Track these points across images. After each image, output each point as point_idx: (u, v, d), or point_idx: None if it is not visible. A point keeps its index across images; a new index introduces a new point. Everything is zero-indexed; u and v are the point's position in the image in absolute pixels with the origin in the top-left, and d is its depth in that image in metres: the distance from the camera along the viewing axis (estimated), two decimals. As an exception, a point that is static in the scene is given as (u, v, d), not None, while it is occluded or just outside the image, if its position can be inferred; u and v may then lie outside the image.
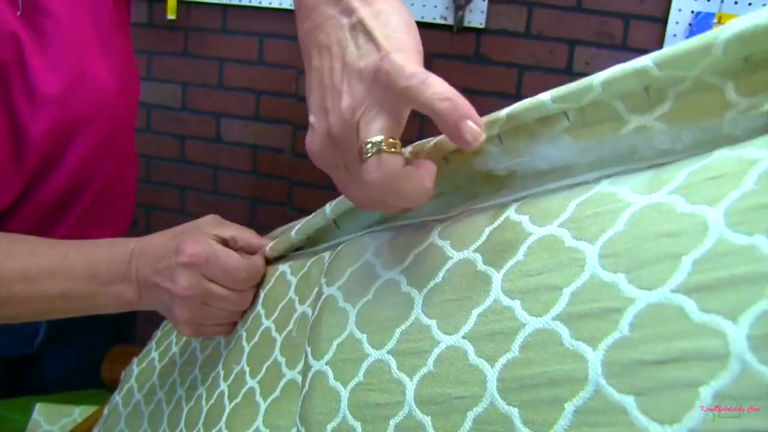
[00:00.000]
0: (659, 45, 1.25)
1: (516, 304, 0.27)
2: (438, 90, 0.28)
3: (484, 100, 1.33)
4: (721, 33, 0.24)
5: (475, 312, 0.29)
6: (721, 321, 0.20)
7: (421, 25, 1.31)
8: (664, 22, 1.25)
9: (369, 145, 0.30)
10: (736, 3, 1.23)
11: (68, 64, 0.55)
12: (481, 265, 0.31)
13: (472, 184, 0.37)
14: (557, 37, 1.29)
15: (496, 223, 0.32)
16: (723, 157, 0.24)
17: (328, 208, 0.44)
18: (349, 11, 0.32)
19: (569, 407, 0.23)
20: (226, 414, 0.44)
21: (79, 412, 0.62)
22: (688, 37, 1.25)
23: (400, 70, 0.28)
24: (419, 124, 1.39)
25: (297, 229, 0.48)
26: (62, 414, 0.61)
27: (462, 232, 0.34)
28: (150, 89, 1.47)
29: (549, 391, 0.24)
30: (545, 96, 0.30)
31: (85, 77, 0.57)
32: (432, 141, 0.36)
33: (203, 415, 0.47)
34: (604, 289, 0.24)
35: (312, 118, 0.34)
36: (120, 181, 0.70)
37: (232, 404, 0.44)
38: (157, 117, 1.50)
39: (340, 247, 0.43)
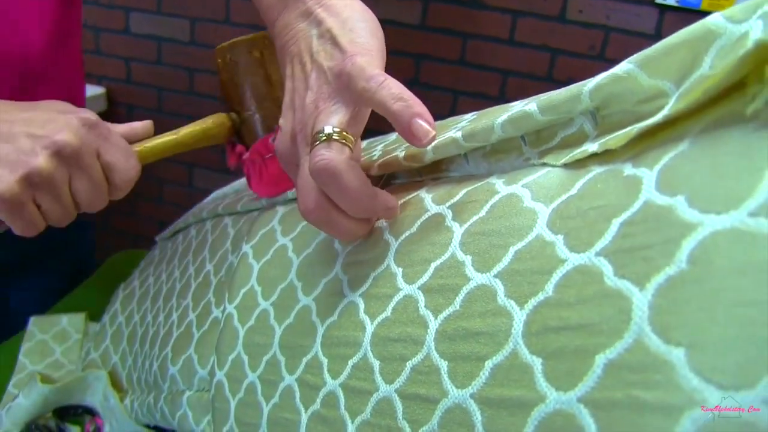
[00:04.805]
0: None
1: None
2: (393, 92, 0.29)
3: (478, 43, 1.36)
4: (498, 118, 0.30)
5: (324, 281, 0.37)
6: (429, 315, 0.28)
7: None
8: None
9: (321, 134, 0.31)
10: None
11: None
12: (336, 243, 0.39)
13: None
14: (555, -18, 1.29)
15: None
16: (487, 183, 0.31)
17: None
18: (317, 22, 0.35)
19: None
20: (173, 340, 0.55)
21: (66, 321, 0.74)
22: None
23: (361, 71, 0.30)
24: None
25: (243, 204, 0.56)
26: (52, 323, 0.73)
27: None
28: (160, 23, 1.53)
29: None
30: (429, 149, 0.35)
31: None
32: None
33: (159, 340, 0.57)
34: (389, 279, 0.32)
35: (281, 121, 0.37)
36: None
37: (178, 332, 0.55)
38: (167, 50, 1.56)
39: (261, 210, 0.51)
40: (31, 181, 0.38)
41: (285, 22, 0.38)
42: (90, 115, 0.42)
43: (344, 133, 0.31)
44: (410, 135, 0.29)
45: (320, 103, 0.33)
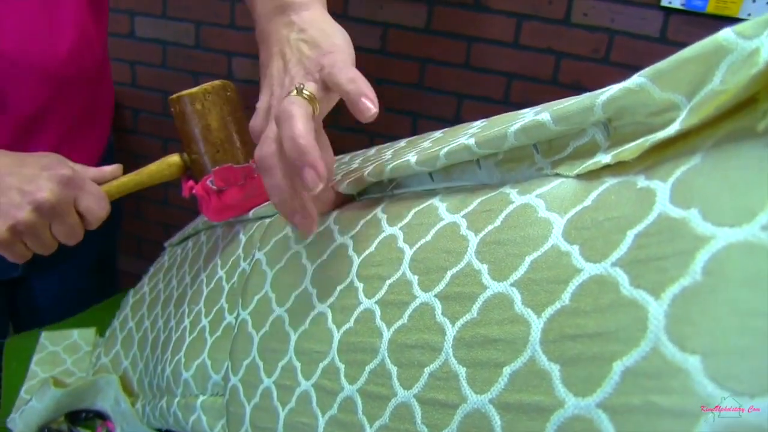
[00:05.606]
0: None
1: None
2: (349, 76, 0.37)
3: (483, 47, 1.37)
4: (511, 126, 0.31)
5: (339, 288, 0.38)
6: (447, 322, 0.28)
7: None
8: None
9: (295, 89, 0.38)
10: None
11: None
12: (350, 251, 0.39)
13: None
14: (558, -14, 1.29)
15: (368, 217, 0.41)
16: (501, 193, 0.32)
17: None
18: (298, 29, 0.43)
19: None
20: (185, 345, 0.55)
21: (77, 334, 0.74)
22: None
23: (332, 62, 0.39)
24: (411, 121, 1.45)
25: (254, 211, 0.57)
26: (64, 337, 0.74)
27: (345, 218, 0.42)
28: (165, 27, 1.55)
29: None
30: (412, 159, 0.37)
31: None
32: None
33: (171, 345, 0.58)
34: (404, 286, 0.33)
35: (258, 103, 0.43)
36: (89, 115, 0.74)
37: (191, 338, 0.55)
38: (172, 54, 1.57)
39: (273, 218, 0.52)
40: (17, 229, 0.47)
41: (269, 31, 0.45)
42: (66, 170, 0.49)
43: (312, 96, 0.38)
44: (356, 110, 0.36)
45: (296, 81, 0.40)
